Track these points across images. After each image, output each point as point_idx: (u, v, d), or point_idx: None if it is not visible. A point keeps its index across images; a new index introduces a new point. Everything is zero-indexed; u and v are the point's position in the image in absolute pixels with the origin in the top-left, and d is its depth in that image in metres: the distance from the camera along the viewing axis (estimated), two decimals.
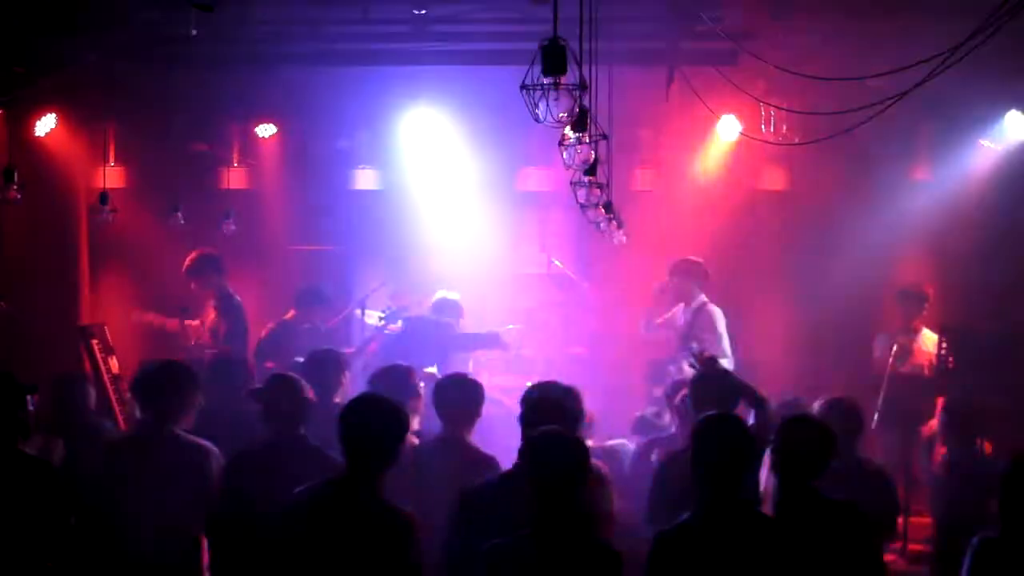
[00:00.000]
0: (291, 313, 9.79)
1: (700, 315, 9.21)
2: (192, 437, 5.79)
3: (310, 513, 4.46)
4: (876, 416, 8.26)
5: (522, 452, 4.61)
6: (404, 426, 4.65)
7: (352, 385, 7.17)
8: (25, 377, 5.30)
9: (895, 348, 8.91)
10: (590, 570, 4.23)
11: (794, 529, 4.59)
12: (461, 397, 6.02)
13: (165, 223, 10.13)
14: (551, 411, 5.03)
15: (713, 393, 5.92)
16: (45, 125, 11.06)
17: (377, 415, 4.59)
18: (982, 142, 10.76)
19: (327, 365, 6.96)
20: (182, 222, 10.00)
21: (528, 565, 4.20)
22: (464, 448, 5.88)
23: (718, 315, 9.20)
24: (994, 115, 10.52)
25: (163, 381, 5.86)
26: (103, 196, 9.38)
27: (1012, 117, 10.40)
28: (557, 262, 10.98)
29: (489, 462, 5.70)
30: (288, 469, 5.24)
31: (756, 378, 7.77)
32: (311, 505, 4.49)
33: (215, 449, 5.76)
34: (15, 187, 7.78)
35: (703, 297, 9.28)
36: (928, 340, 9.19)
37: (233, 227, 10.48)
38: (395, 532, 4.40)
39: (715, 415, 4.74)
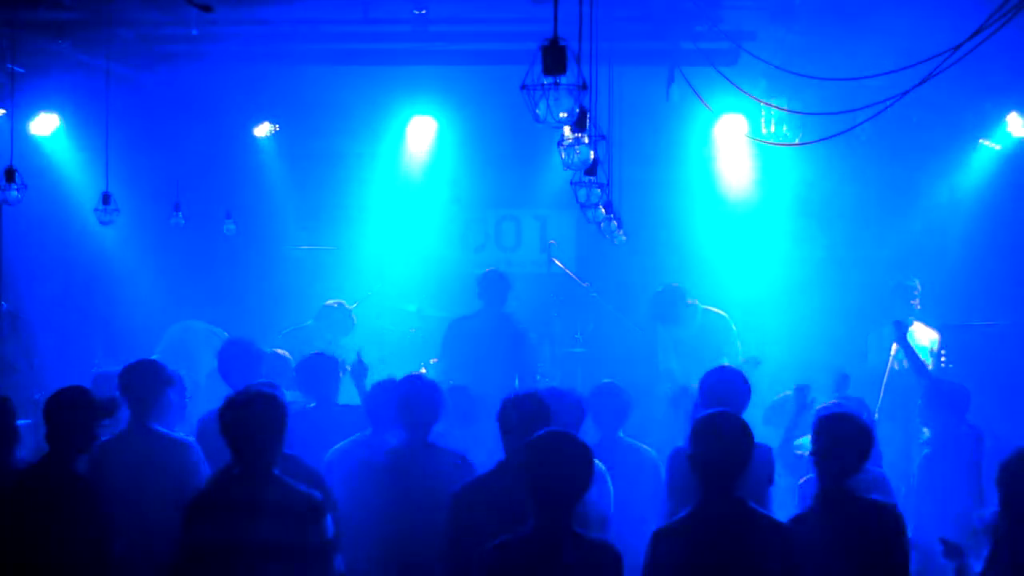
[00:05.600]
0: (310, 323, 9.80)
1: (710, 322, 9.18)
2: (173, 433, 5.82)
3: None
4: (876, 414, 8.26)
5: (525, 451, 4.57)
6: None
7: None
8: (28, 376, 5.30)
9: (895, 346, 8.91)
10: (592, 568, 4.23)
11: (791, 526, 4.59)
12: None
13: (166, 223, 10.14)
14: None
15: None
16: (47, 125, 11.08)
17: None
18: (982, 141, 10.77)
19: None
20: (182, 222, 10.00)
21: (530, 564, 4.21)
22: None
23: (727, 317, 9.21)
24: (995, 115, 10.53)
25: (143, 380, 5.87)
26: (105, 196, 9.37)
27: (1013, 117, 10.40)
28: (558, 262, 10.99)
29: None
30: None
31: (759, 377, 7.80)
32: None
33: (195, 444, 5.80)
34: (16, 187, 7.77)
35: (701, 307, 9.27)
36: (921, 335, 9.20)
37: (233, 227, 10.48)
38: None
39: (714, 412, 4.73)
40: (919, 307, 9.30)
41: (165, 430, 5.82)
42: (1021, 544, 4.51)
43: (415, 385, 5.82)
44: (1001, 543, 4.60)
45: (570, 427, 5.31)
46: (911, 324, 9.20)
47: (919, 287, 9.36)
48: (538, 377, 9.36)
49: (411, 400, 5.67)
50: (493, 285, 9.31)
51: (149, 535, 5.40)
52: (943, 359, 8.59)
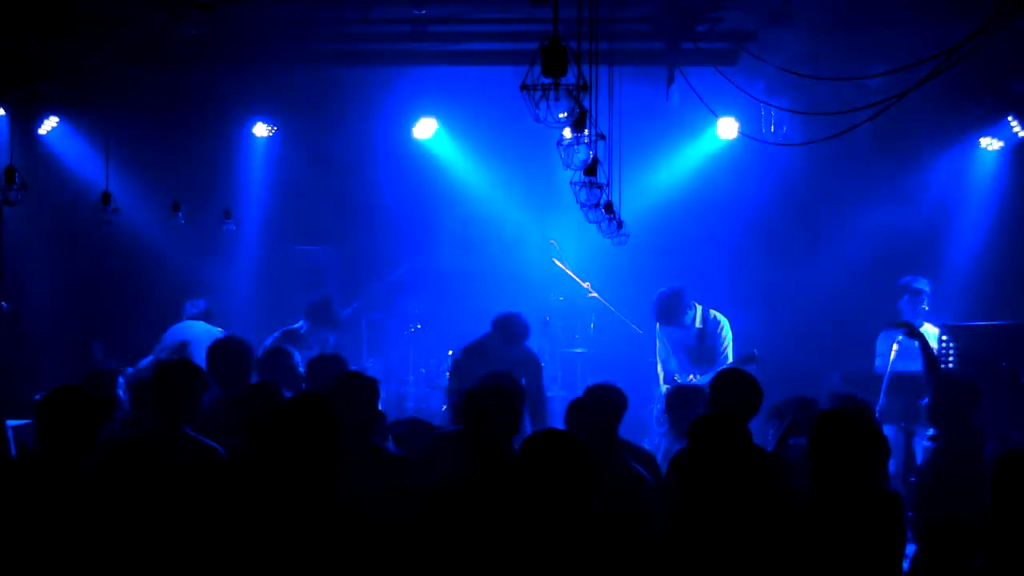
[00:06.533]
0: (300, 324, 9.78)
1: (709, 323, 9.19)
2: (203, 438, 5.77)
3: None
4: (876, 415, 8.25)
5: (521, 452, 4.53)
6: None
7: None
8: (29, 376, 5.24)
9: (895, 346, 8.89)
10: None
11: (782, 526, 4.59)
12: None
13: (166, 223, 10.14)
14: None
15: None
16: (47, 125, 11.09)
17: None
18: (982, 141, 10.77)
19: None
20: (182, 222, 10.00)
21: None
22: None
23: (725, 320, 9.21)
24: (994, 114, 10.53)
25: (176, 381, 5.83)
26: (105, 196, 9.38)
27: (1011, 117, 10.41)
28: (558, 262, 10.99)
29: None
30: None
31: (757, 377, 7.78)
32: None
33: (222, 449, 5.76)
34: (17, 187, 7.76)
35: (700, 308, 9.27)
36: (931, 337, 9.18)
37: (233, 227, 10.49)
38: None
39: (711, 413, 4.74)
40: (927, 308, 9.27)
41: (195, 434, 5.78)
42: (1014, 544, 4.50)
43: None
44: (993, 542, 4.59)
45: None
46: (921, 325, 9.15)
47: (926, 288, 9.33)
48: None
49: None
50: (512, 330, 8.65)
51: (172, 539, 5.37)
52: (944, 350, 8.56)
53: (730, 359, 9.10)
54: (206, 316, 9.88)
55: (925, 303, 9.26)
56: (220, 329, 9.70)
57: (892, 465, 8.46)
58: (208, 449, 5.69)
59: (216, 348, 7.11)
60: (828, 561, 4.58)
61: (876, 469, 5.01)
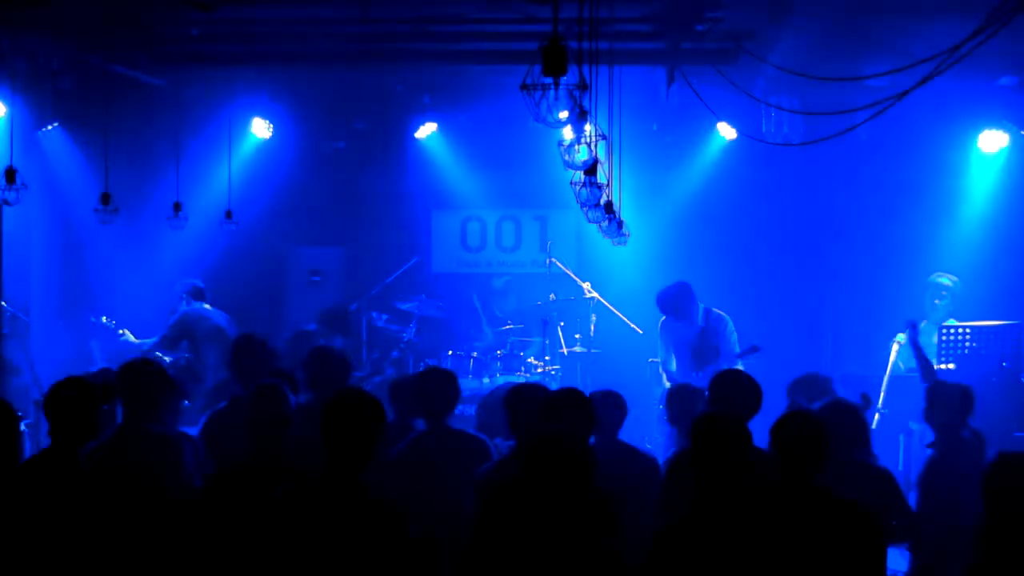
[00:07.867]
0: (312, 327, 9.80)
1: (712, 321, 9.18)
2: (168, 431, 5.77)
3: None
4: (877, 416, 8.26)
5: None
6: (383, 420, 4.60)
7: None
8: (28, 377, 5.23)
9: (895, 347, 8.89)
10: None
11: (792, 524, 4.58)
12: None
13: (166, 223, 10.14)
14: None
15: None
16: (48, 125, 11.06)
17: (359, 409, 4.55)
18: (982, 140, 10.77)
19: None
20: (184, 222, 10.01)
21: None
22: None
23: (728, 318, 9.20)
24: (995, 113, 10.53)
25: (139, 380, 5.83)
26: (104, 196, 9.38)
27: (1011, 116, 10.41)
28: (557, 262, 10.99)
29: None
30: None
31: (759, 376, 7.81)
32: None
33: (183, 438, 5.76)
34: (17, 187, 7.77)
35: (703, 305, 9.26)
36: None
37: (234, 227, 10.49)
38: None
39: (712, 412, 4.74)
40: (951, 305, 9.23)
41: (159, 428, 5.77)
42: (1003, 550, 4.49)
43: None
44: (982, 547, 4.58)
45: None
46: (943, 320, 9.12)
47: (947, 284, 9.29)
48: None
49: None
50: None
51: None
52: (945, 350, 8.53)
53: (735, 355, 9.08)
54: (200, 295, 9.91)
55: (946, 299, 9.22)
56: (223, 312, 9.74)
57: (892, 464, 8.52)
58: (173, 442, 5.69)
59: (239, 345, 7.05)
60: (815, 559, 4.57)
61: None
